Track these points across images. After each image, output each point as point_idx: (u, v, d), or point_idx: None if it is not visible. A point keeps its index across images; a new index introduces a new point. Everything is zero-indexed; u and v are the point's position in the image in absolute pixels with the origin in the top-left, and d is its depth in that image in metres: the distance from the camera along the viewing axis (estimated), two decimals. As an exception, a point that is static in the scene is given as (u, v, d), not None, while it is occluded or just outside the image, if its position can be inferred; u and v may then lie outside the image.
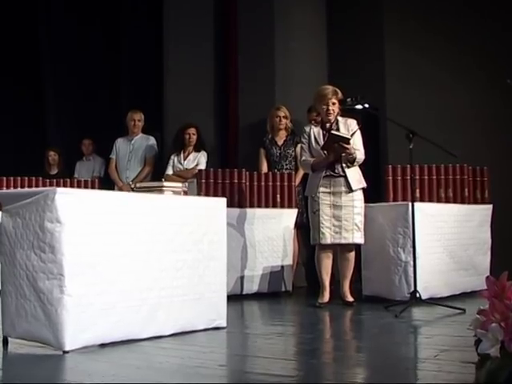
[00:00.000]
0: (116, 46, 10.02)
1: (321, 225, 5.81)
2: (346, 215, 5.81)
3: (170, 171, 7.70)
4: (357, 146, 5.86)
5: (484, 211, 6.60)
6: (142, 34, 9.74)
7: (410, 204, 5.63)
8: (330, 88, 5.97)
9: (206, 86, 8.68)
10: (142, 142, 8.12)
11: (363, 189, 5.93)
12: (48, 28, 10.36)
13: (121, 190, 7.73)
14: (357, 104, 5.64)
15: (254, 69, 8.25)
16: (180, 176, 7.45)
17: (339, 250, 5.96)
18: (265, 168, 7.36)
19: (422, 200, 6.27)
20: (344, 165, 5.84)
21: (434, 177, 6.44)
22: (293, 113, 7.52)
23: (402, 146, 5.71)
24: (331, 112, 5.89)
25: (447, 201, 6.42)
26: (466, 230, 6.36)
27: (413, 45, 8.31)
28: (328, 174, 5.87)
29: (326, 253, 5.90)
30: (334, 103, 5.88)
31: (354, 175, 5.87)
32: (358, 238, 5.85)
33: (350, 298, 5.91)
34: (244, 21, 8.43)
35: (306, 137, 6.01)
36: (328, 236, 5.80)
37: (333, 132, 5.72)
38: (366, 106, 5.70)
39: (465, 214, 6.39)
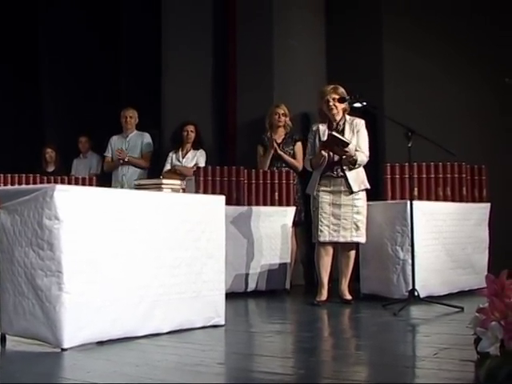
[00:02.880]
0: (114, 43, 10.00)
1: (319, 222, 5.80)
2: (345, 214, 5.81)
3: (168, 168, 7.67)
4: (360, 147, 5.84)
5: (482, 210, 6.60)
6: (141, 30, 9.72)
7: (409, 202, 5.63)
8: (330, 85, 5.97)
9: (205, 84, 8.68)
10: (138, 138, 8.14)
11: (366, 189, 5.92)
12: (47, 25, 10.36)
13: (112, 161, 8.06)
14: (356, 102, 5.63)
15: (252, 66, 8.23)
16: (180, 173, 7.42)
17: (340, 248, 5.95)
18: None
19: (420, 198, 6.26)
20: (345, 167, 5.83)
21: (432, 175, 6.44)
22: (291, 111, 7.50)
23: (400, 144, 5.70)
24: (333, 107, 5.88)
25: (445, 199, 6.42)
26: (463, 229, 6.36)
27: (411, 45, 8.30)
28: (328, 174, 5.86)
29: (325, 251, 5.89)
30: (334, 98, 5.86)
31: (356, 177, 5.85)
32: (356, 236, 5.84)
33: (348, 296, 5.90)
34: (243, 18, 8.42)
35: (312, 136, 6.01)
36: (326, 234, 5.79)
37: (333, 133, 5.69)
38: (365, 103, 5.69)
39: (463, 212, 6.40)
